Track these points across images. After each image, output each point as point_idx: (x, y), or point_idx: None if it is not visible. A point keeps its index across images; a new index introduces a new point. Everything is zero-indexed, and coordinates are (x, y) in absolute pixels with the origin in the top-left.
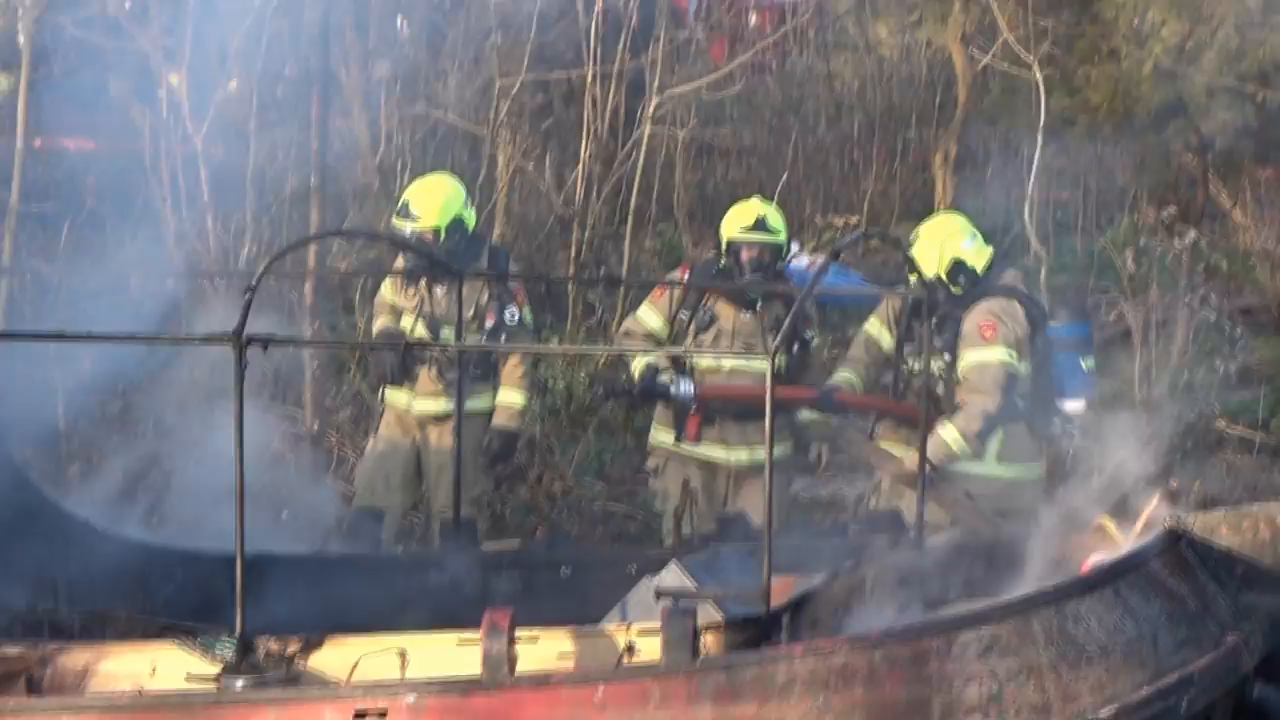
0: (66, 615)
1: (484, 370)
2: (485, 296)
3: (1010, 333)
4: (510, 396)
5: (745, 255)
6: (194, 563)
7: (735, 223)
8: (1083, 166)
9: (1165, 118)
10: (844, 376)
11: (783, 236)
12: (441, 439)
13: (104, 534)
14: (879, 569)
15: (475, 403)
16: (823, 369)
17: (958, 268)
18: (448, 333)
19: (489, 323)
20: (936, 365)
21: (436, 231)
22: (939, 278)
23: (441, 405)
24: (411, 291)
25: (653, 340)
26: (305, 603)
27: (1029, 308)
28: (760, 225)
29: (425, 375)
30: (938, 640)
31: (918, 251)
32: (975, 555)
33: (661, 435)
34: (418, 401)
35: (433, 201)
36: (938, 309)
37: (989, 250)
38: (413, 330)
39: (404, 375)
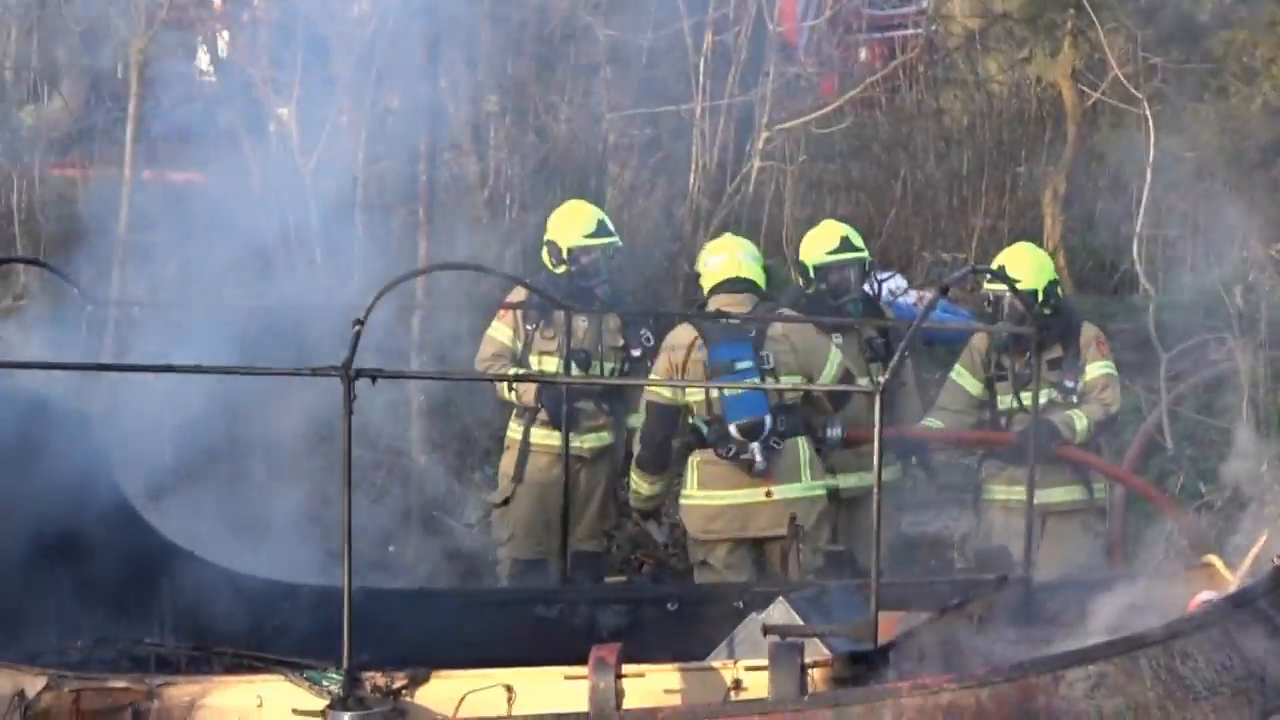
0: (173, 648)
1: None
2: (623, 324)
3: None
4: None
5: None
6: (300, 596)
7: (819, 247)
8: (1192, 203)
9: (1275, 154)
10: (928, 425)
11: (866, 253)
12: (594, 474)
13: (211, 567)
14: (986, 605)
15: (615, 434)
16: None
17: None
18: (601, 366)
19: (635, 351)
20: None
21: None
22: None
23: (604, 439)
24: (550, 333)
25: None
26: (412, 637)
27: (708, 331)
28: (846, 245)
29: (582, 411)
30: (1045, 678)
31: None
32: (1082, 592)
33: None
34: (583, 439)
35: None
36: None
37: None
38: (557, 370)
39: (560, 415)
